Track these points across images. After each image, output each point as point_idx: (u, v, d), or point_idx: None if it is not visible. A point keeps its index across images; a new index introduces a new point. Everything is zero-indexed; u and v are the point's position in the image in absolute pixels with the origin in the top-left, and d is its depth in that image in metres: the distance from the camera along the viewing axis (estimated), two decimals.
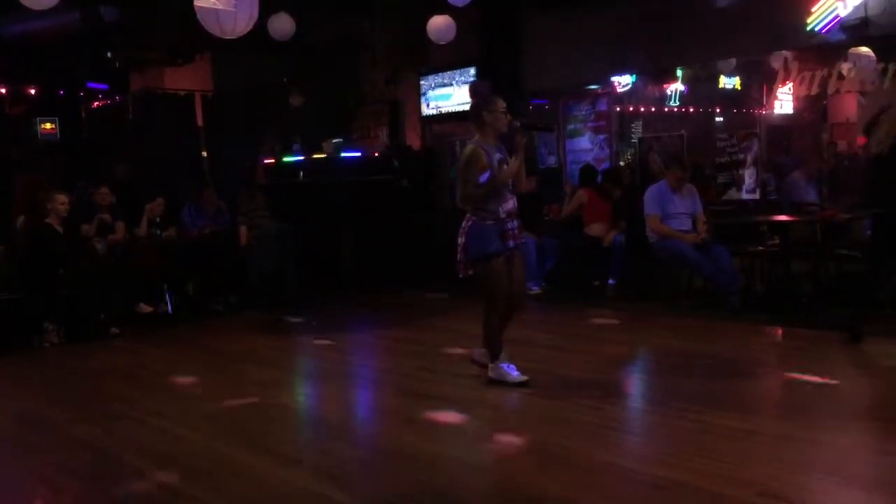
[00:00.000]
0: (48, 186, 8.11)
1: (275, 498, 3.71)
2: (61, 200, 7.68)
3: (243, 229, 9.30)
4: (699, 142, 11.49)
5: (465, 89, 10.60)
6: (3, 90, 10.60)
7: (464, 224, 5.21)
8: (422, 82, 11.23)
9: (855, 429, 4.18)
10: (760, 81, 11.63)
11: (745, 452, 3.87)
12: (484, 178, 5.08)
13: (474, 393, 5.22)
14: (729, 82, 11.77)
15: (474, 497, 3.64)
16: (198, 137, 11.39)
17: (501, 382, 5.25)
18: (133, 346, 7.51)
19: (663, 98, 11.76)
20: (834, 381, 5.16)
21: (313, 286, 9.72)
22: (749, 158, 10.88)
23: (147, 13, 9.19)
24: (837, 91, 10.14)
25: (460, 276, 5.26)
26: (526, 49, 10.18)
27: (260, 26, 7.62)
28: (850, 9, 7.37)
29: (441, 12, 8.83)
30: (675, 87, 11.62)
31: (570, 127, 11.38)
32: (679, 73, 11.23)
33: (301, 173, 10.99)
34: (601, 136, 11.21)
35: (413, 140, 11.65)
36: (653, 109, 11.78)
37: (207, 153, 11.41)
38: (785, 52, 9.13)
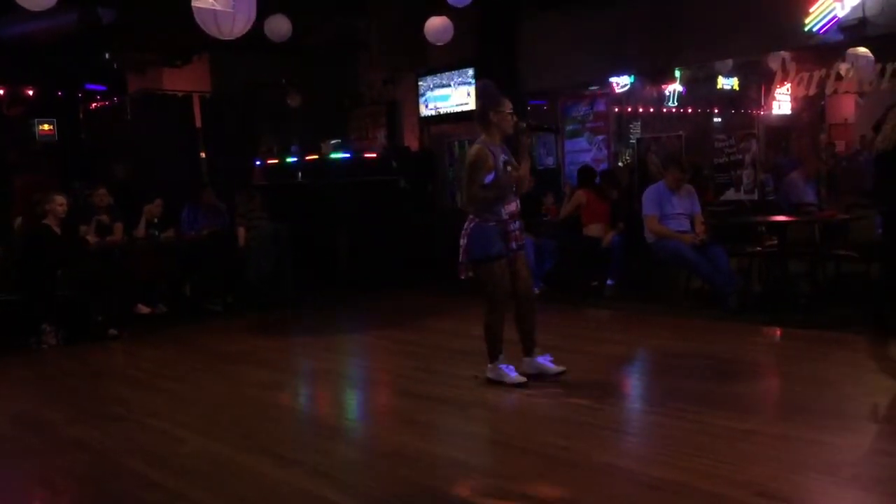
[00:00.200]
0: (47, 187, 8.11)
1: (273, 498, 3.71)
2: (59, 202, 7.67)
3: (241, 230, 9.31)
4: (697, 142, 11.49)
5: (464, 90, 10.61)
6: (1, 91, 10.59)
7: (466, 225, 5.21)
8: (420, 83, 11.24)
9: (853, 429, 4.18)
10: (759, 82, 11.64)
11: (744, 452, 3.87)
12: (489, 178, 5.07)
13: (473, 393, 5.21)
14: (727, 83, 11.78)
15: (472, 498, 3.63)
16: (196, 138, 11.40)
17: (500, 383, 5.25)
18: (131, 347, 7.51)
19: (661, 99, 11.76)
20: (830, 382, 5.16)
21: (311, 287, 9.72)
22: (747, 159, 10.88)
23: (145, 14, 9.19)
24: (835, 91, 10.14)
25: (461, 277, 5.25)
26: (524, 50, 10.19)
27: (258, 27, 7.62)
28: (847, 9, 7.37)
29: (439, 13, 8.83)
30: (674, 88, 11.63)
31: (569, 128, 11.39)
32: (677, 73, 11.24)
33: (299, 174, 11.00)
34: (599, 137, 11.22)
35: (411, 141, 11.66)
36: (651, 110, 11.78)
37: (205, 154, 11.41)
38: (783, 53, 9.13)
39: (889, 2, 7.15)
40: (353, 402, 5.77)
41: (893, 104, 5.94)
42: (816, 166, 9.40)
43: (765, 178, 10.96)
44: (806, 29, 7.69)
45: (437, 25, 8.96)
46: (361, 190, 10.48)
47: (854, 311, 6.74)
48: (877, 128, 6.10)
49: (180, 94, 11.21)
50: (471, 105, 10.41)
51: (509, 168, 5.16)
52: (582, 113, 11.37)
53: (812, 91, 9.44)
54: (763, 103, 11.85)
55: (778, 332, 6.80)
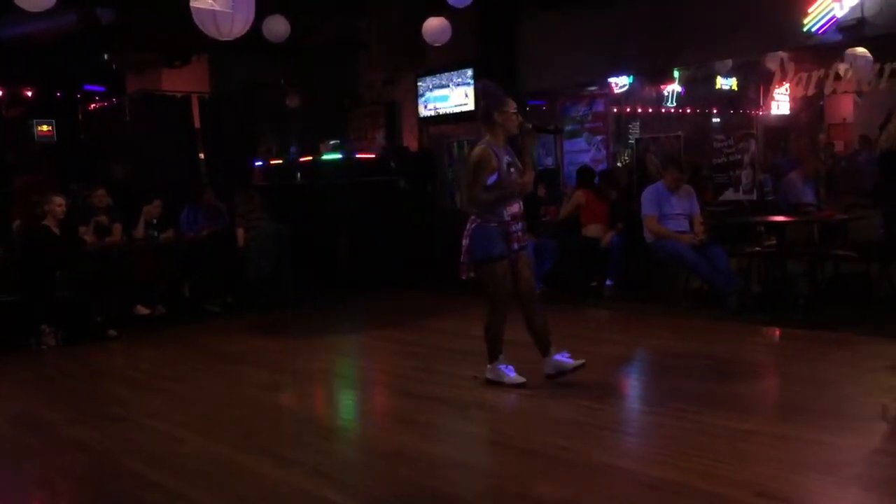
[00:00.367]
0: (45, 188, 8.10)
1: (273, 499, 3.71)
2: (58, 202, 7.67)
3: (240, 231, 9.31)
4: (696, 143, 11.48)
5: (463, 90, 10.60)
6: (0, 92, 10.59)
7: (468, 226, 5.20)
8: (419, 84, 11.23)
9: (853, 429, 4.18)
10: (757, 82, 11.63)
11: (743, 452, 3.87)
12: (492, 180, 5.06)
13: (472, 394, 5.22)
14: (726, 83, 11.78)
15: (471, 498, 3.63)
16: (195, 139, 11.40)
17: (499, 383, 5.25)
18: (130, 347, 7.50)
19: (660, 99, 11.76)
20: (829, 381, 5.17)
21: (311, 287, 9.72)
22: (746, 159, 10.88)
23: (144, 15, 9.18)
24: (834, 92, 10.14)
25: (463, 277, 5.24)
26: (523, 50, 10.19)
27: (257, 28, 7.62)
28: (846, 9, 7.37)
29: (439, 13, 8.82)
30: (672, 88, 11.62)
31: (567, 128, 11.38)
32: (676, 74, 11.24)
33: (298, 175, 10.99)
34: (598, 137, 11.21)
35: (410, 141, 11.66)
36: (650, 110, 11.78)
37: (204, 155, 11.41)
38: (781, 53, 9.13)
39: (888, 2, 7.15)
40: (352, 402, 5.77)
41: None
42: (815, 166, 9.40)
43: (763, 178, 10.96)
44: (805, 29, 7.69)
45: (434, 26, 8.95)
46: (360, 190, 10.48)
47: (853, 311, 6.76)
48: (882, 127, 6.12)
49: (179, 95, 11.21)
50: (470, 105, 10.42)
51: (513, 169, 5.15)
52: (581, 113, 11.37)
53: (811, 91, 9.43)
54: (762, 103, 11.85)
55: (777, 332, 6.80)
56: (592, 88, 11.04)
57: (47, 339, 7.44)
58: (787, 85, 10.20)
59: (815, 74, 9.06)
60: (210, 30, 6.64)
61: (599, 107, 11.23)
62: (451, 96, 10.82)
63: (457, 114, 10.73)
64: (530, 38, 10.10)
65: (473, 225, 5.16)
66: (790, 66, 9.28)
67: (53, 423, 5.10)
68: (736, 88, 11.89)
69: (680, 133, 11.38)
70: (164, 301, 9.04)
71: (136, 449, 4.46)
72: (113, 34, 9.73)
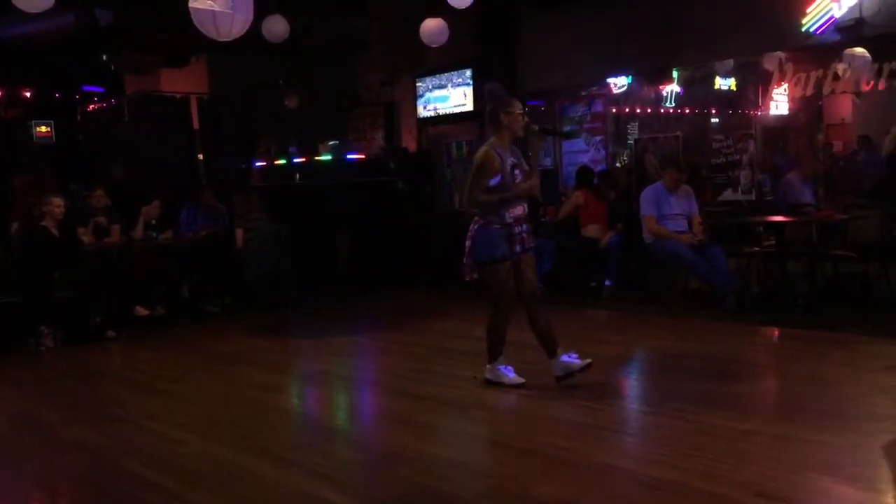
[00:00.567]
0: (44, 189, 8.10)
1: (272, 499, 3.71)
2: (57, 203, 7.66)
3: (239, 231, 9.31)
4: (695, 143, 11.48)
5: (462, 91, 10.60)
6: None
7: (471, 227, 5.19)
8: (418, 84, 11.23)
9: (852, 429, 4.18)
10: (756, 82, 11.63)
11: (743, 452, 3.88)
12: (494, 181, 5.06)
13: (471, 394, 5.22)
14: (725, 83, 11.78)
15: (471, 498, 3.63)
16: (194, 140, 11.39)
17: (498, 384, 5.25)
18: (129, 348, 7.50)
19: (659, 99, 11.76)
20: (828, 381, 5.17)
21: (310, 287, 9.72)
22: (745, 159, 10.89)
23: (143, 16, 9.18)
24: (833, 92, 10.13)
25: (466, 278, 5.24)
26: (523, 50, 10.19)
27: (255, 28, 7.62)
28: (844, 9, 7.38)
29: (438, 13, 8.82)
30: (671, 89, 11.63)
31: (566, 128, 11.38)
32: (675, 74, 11.24)
33: (297, 175, 11.00)
34: (597, 138, 11.22)
35: (409, 142, 11.66)
36: (649, 111, 11.78)
37: (203, 155, 11.40)
38: (780, 53, 9.14)
39: (886, 2, 7.15)
40: (351, 402, 5.77)
41: None
42: (814, 167, 9.40)
43: (762, 178, 10.96)
44: (803, 29, 7.70)
45: (432, 27, 8.94)
46: (359, 191, 10.49)
47: (852, 311, 6.76)
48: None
49: (178, 96, 11.20)
50: (469, 106, 10.43)
51: (517, 171, 5.14)
52: (580, 114, 11.37)
53: (809, 91, 9.42)
54: (760, 104, 11.85)
55: (776, 333, 6.81)
56: (592, 89, 11.05)
57: (46, 340, 7.43)
58: (785, 85, 10.20)
59: (814, 75, 9.06)
60: (209, 30, 6.64)
61: (598, 107, 11.24)
62: (451, 97, 10.82)
63: (456, 114, 10.73)
64: (529, 38, 10.10)
65: (476, 226, 5.15)
66: (789, 67, 9.28)
67: (52, 423, 5.10)
68: (735, 89, 11.89)
69: (679, 133, 11.38)
70: (163, 302, 9.03)
71: (135, 449, 4.46)
72: (112, 35, 9.73)
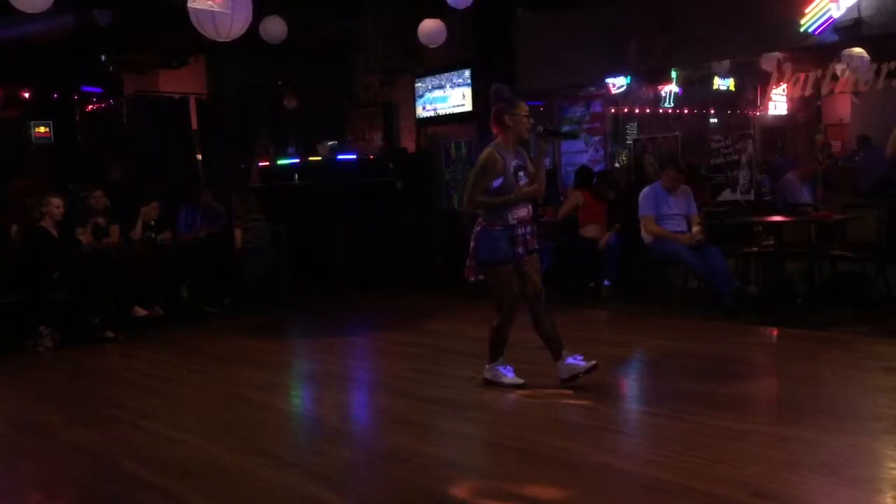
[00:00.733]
0: (42, 190, 8.09)
1: (270, 500, 3.70)
2: (56, 204, 7.66)
3: (238, 232, 9.31)
4: (694, 143, 11.48)
5: (460, 91, 10.60)
6: None
7: (475, 228, 5.20)
8: (417, 84, 11.23)
9: (850, 429, 4.18)
10: (755, 83, 11.63)
11: (741, 453, 3.88)
12: (497, 183, 5.05)
13: (470, 395, 5.21)
14: (723, 84, 11.78)
15: (470, 499, 3.64)
16: (192, 140, 11.39)
17: (497, 384, 5.25)
18: (128, 349, 7.49)
19: (658, 99, 11.76)
20: (827, 382, 5.17)
21: (308, 288, 9.71)
22: (743, 159, 10.89)
23: (141, 16, 9.18)
24: (831, 92, 10.14)
25: (471, 279, 5.23)
26: (520, 51, 10.19)
27: (254, 29, 7.62)
28: (843, 10, 7.38)
29: (437, 14, 8.81)
30: (670, 89, 11.62)
31: (564, 129, 11.37)
32: (673, 74, 11.24)
33: (295, 176, 10.99)
34: (596, 138, 11.21)
35: (408, 142, 11.66)
36: (647, 111, 11.78)
37: (202, 156, 11.40)
38: (778, 54, 9.14)
39: (884, 2, 7.16)
40: (350, 403, 5.77)
41: None
42: (813, 167, 9.40)
43: (761, 178, 10.96)
44: (802, 30, 7.69)
45: (430, 28, 8.94)
46: (358, 191, 10.49)
47: (851, 312, 6.76)
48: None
49: (176, 96, 11.20)
50: (468, 107, 10.42)
51: (521, 173, 5.13)
52: (578, 114, 11.36)
53: (808, 92, 9.43)
54: (759, 104, 11.85)
55: (774, 333, 6.81)
56: (591, 89, 11.04)
57: (44, 341, 7.43)
58: (784, 85, 10.21)
59: (812, 75, 9.07)
60: (209, 31, 6.64)
61: (597, 107, 11.23)
62: (449, 97, 10.82)
63: (454, 115, 10.72)
64: (528, 38, 10.09)
65: (479, 228, 5.15)
66: (787, 67, 9.28)
67: (51, 424, 5.09)
68: (733, 89, 11.89)
69: (677, 133, 11.38)
70: (161, 302, 9.02)
71: (133, 450, 4.45)
72: (110, 35, 9.71)
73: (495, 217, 5.10)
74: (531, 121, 5.23)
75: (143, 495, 3.79)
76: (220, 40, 6.83)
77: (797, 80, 9.20)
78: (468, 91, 10.42)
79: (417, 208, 10.94)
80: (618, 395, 5.37)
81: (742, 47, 8.63)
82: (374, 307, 9.22)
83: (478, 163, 5.19)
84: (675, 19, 8.61)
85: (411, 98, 11.38)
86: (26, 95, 10.78)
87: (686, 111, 11.97)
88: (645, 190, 8.01)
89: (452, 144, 11.14)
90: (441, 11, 8.51)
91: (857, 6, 7.28)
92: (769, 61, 9.51)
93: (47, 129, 11.06)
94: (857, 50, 8.58)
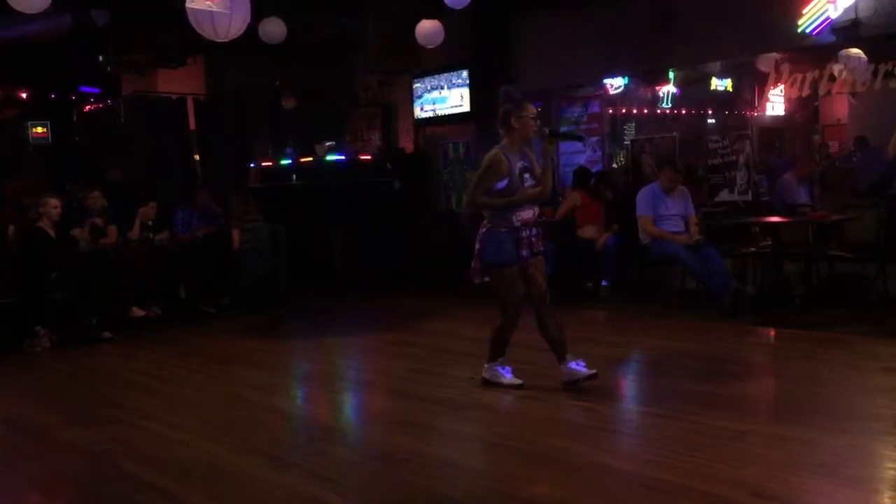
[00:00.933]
0: (41, 190, 8.09)
1: (269, 501, 3.70)
2: (54, 204, 7.66)
3: (236, 232, 9.30)
4: (691, 143, 11.51)
5: (459, 92, 10.59)
6: None
7: (480, 230, 5.20)
8: (415, 85, 11.23)
9: (848, 429, 4.19)
10: (752, 83, 11.66)
11: (739, 453, 3.88)
12: (501, 185, 5.05)
13: (469, 395, 5.22)
14: (721, 84, 11.81)
15: (469, 499, 3.64)
16: (190, 141, 11.38)
17: (496, 384, 5.25)
18: (126, 349, 7.48)
19: (655, 100, 11.78)
20: (825, 382, 5.18)
21: (306, 289, 9.71)
22: (741, 160, 10.91)
23: (139, 16, 9.17)
24: (828, 93, 10.16)
25: (476, 281, 5.23)
26: (519, 51, 10.20)
27: (252, 29, 7.62)
28: (840, 10, 7.39)
29: (435, 14, 8.81)
30: (667, 89, 11.65)
31: (562, 129, 11.38)
32: (671, 75, 11.26)
33: (293, 176, 10.99)
34: (593, 139, 11.22)
35: (406, 143, 11.66)
36: (645, 111, 11.80)
37: (200, 156, 11.40)
38: (776, 54, 9.16)
39: (882, 3, 7.17)
40: (348, 404, 5.76)
41: None
42: (810, 167, 9.42)
43: (758, 178, 10.98)
44: (799, 30, 7.71)
45: (427, 29, 8.93)
46: (356, 192, 10.49)
47: (848, 312, 6.78)
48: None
49: (174, 97, 11.19)
50: (466, 107, 10.42)
51: (527, 175, 5.13)
52: (576, 114, 11.37)
53: (805, 92, 9.45)
54: (756, 104, 11.87)
55: (772, 333, 6.82)
56: (589, 89, 11.05)
57: (42, 341, 7.42)
58: (781, 86, 10.23)
59: (810, 75, 9.08)
60: (207, 31, 6.64)
61: (595, 108, 11.24)
62: (448, 98, 10.82)
63: (453, 115, 10.73)
64: (526, 39, 10.10)
65: (484, 230, 5.15)
66: (785, 68, 9.30)
67: (49, 424, 5.08)
68: (731, 89, 11.92)
69: (675, 134, 11.40)
70: (159, 303, 9.02)
71: (133, 450, 4.45)
72: (108, 36, 9.71)
73: (500, 219, 5.09)
74: (538, 123, 5.23)
75: (143, 495, 3.79)
76: (219, 40, 6.82)
77: (795, 80, 9.21)
78: (466, 92, 10.42)
79: (416, 208, 10.94)
80: (617, 396, 5.37)
81: (740, 48, 8.65)
82: (373, 307, 9.22)
83: (482, 164, 5.19)
84: (674, 20, 8.62)
85: (409, 98, 11.38)
86: (24, 95, 10.78)
87: (684, 112, 11.99)
88: (643, 190, 8.02)
89: (450, 145, 11.15)
90: (439, 12, 8.52)
91: (855, 7, 7.30)
92: (767, 62, 9.53)
93: (45, 130, 11.05)
94: (855, 51, 8.60)
